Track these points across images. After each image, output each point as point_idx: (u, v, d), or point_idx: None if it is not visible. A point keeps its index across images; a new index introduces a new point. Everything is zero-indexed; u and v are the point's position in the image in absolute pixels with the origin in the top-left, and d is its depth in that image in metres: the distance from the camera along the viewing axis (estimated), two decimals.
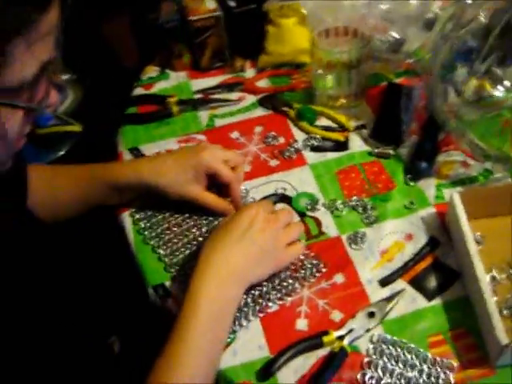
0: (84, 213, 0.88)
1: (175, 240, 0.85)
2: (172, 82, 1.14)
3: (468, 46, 0.84)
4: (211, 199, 0.85)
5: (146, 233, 0.86)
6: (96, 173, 0.87)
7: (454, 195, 0.78)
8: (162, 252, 0.84)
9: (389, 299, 0.75)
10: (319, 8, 1.07)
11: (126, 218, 0.89)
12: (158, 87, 1.13)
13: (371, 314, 0.73)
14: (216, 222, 0.86)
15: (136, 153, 1.00)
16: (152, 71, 1.16)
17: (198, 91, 1.10)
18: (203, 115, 1.05)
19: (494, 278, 0.76)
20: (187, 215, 0.88)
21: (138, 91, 1.13)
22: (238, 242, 0.73)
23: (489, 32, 0.78)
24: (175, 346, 0.66)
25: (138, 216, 0.89)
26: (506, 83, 0.83)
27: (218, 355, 0.70)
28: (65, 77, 1.28)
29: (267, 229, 0.75)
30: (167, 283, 0.81)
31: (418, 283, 0.77)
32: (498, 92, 0.85)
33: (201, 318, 0.68)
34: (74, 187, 0.86)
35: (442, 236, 0.82)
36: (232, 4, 1.09)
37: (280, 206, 0.88)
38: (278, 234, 0.76)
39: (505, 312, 0.73)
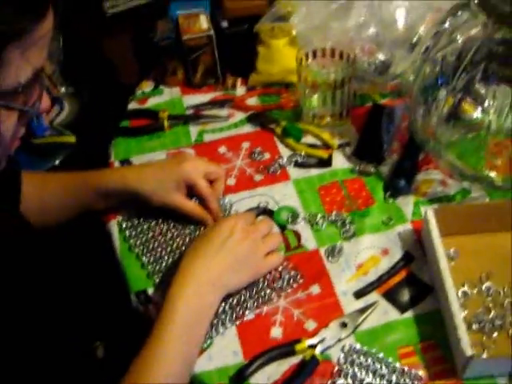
0: (72, 219, 0.91)
1: (159, 248, 0.88)
2: (165, 97, 1.17)
3: (448, 67, 0.87)
4: (190, 207, 0.88)
5: (132, 241, 0.89)
6: (83, 179, 0.90)
7: (428, 211, 0.80)
8: (145, 259, 0.86)
9: (362, 311, 0.77)
10: (309, 29, 1.11)
11: (114, 226, 0.92)
12: (152, 102, 1.16)
13: (344, 325, 0.76)
14: (197, 233, 0.89)
15: (127, 164, 1.03)
16: (147, 86, 1.20)
17: (190, 107, 1.13)
18: (193, 130, 1.08)
19: (465, 293, 0.78)
20: (172, 225, 0.90)
21: (133, 105, 1.16)
22: (216, 251, 0.76)
23: (464, 56, 0.82)
24: (151, 347, 0.68)
25: (124, 225, 0.91)
26: (487, 103, 0.86)
27: (193, 358, 0.72)
28: (63, 90, 1.32)
29: (246, 239, 0.78)
30: (149, 290, 0.83)
31: (391, 296, 0.79)
32: (477, 113, 0.88)
33: (177, 321, 0.70)
34: (62, 193, 0.90)
35: (416, 251, 0.84)
36: (225, 25, 1.14)
37: (261, 218, 0.91)
38: (256, 243, 0.79)
39: (474, 326, 0.75)
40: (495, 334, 0.74)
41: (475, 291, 0.79)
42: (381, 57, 1.12)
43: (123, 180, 0.87)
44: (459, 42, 0.85)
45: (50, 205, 0.90)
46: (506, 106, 0.82)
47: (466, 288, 0.79)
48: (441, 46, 0.88)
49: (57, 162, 1.20)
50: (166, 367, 0.68)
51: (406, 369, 0.71)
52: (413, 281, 0.81)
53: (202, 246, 0.78)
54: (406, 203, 0.91)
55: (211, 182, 0.91)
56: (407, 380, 0.70)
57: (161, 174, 0.87)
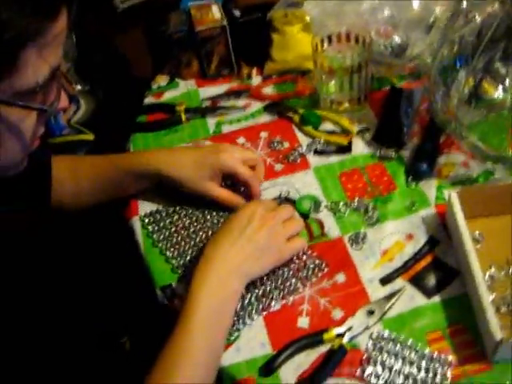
0: (104, 202, 0.92)
1: (182, 243, 0.88)
2: (181, 90, 1.17)
3: (466, 47, 0.86)
4: (225, 194, 0.89)
5: (155, 236, 0.90)
6: (116, 161, 0.91)
7: (452, 194, 0.79)
8: (169, 254, 0.87)
9: (388, 297, 0.77)
10: (323, 15, 1.10)
11: (136, 222, 0.92)
12: (168, 96, 1.16)
13: (371, 312, 0.75)
14: (220, 225, 0.89)
15: None
16: (162, 80, 1.20)
17: (206, 99, 1.13)
18: (211, 122, 1.08)
19: (492, 276, 0.77)
20: (194, 219, 0.91)
21: (149, 100, 1.17)
22: (235, 240, 0.76)
23: (483, 35, 0.80)
24: (177, 339, 0.69)
25: (147, 220, 0.92)
26: (508, 82, 0.84)
27: (219, 347, 0.72)
28: (78, 88, 1.32)
29: (264, 225, 0.78)
30: (174, 284, 0.84)
31: (417, 281, 0.79)
32: (498, 93, 0.86)
33: (202, 311, 0.70)
34: (94, 175, 0.91)
35: (441, 235, 0.83)
36: (237, 14, 1.13)
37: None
38: (275, 229, 0.79)
39: (503, 309, 0.74)
40: None
41: (502, 273, 0.78)
42: (397, 39, 1.10)
43: (156, 164, 0.88)
44: (477, 20, 0.83)
45: (82, 187, 0.91)
46: None
47: (492, 271, 0.78)
48: (458, 26, 0.86)
49: None
50: (193, 358, 0.68)
51: (435, 354, 0.71)
52: (438, 265, 0.80)
53: (221, 235, 0.78)
54: (429, 187, 0.90)
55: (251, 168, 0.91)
56: (437, 365, 0.70)
57: (195, 162, 0.87)
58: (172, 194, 0.92)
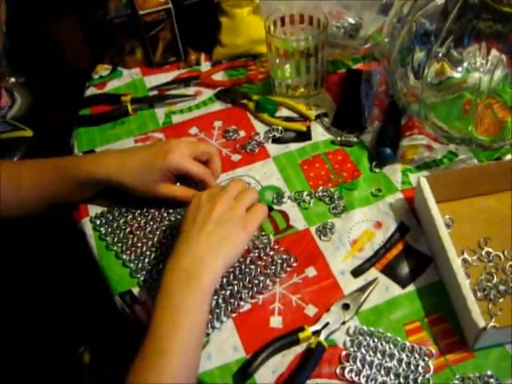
0: (49, 210, 0.84)
1: (139, 244, 0.81)
2: (125, 79, 1.10)
3: (425, 28, 0.83)
4: (180, 192, 0.83)
5: (108, 238, 0.83)
6: (61, 167, 0.83)
7: (421, 179, 0.77)
8: (126, 257, 0.80)
9: (362, 289, 0.73)
10: None
11: (87, 224, 0.85)
12: (111, 86, 1.09)
13: (346, 306, 0.72)
14: (178, 223, 0.82)
15: None
16: (103, 70, 1.12)
17: (153, 88, 1.07)
18: (160, 112, 1.02)
19: (465, 261, 0.76)
20: (150, 217, 0.84)
21: (91, 91, 1.09)
22: (193, 233, 0.71)
23: (446, 15, 0.77)
24: (153, 340, 0.63)
25: (98, 221, 0.85)
26: (465, 65, 0.82)
27: (198, 348, 0.67)
28: (12, 80, 1.22)
29: (215, 205, 0.73)
30: (134, 290, 0.77)
31: (390, 271, 0.76)
32: (457, 73, 0.84)
33: (176, 312, 0.65)
34: (38, 182, 0.82)
35: (411, 221, 0.81)
36: None
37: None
38: (229, 205, 0.73)
39: (479, 294, 0.72)
40: (501, 300, 0.72)
41: (475, 258, 0.76)
42: (349, 19, 1.07)
43: (104, 171, 0.81)
44: (438, 0, 0.81)
45: (24, 195, 0.82)
46: (487, 65, 0.79)
47: (465, 255, 0.76)
48: (418, 6, 0.83)
49: (15, 159, 1.11)
50: (171, 358, 0.62)
51: (415, 346, 0.68)
52: (410, 253, 0.77)
53: (181, 238, 0.72)
54: (394, 172, 0.87)
55: (204, 162, 0.85)
56: (417, 357, 0.68)
57: (144, 166, 0.80)
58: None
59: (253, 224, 0.75)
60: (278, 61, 0.95)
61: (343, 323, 0.71)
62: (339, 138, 0.92)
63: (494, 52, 0.75)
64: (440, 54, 0.79)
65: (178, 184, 0.84)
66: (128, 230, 0.83)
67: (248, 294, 0.75)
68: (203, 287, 0.67)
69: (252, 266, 0.77)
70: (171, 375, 0.61)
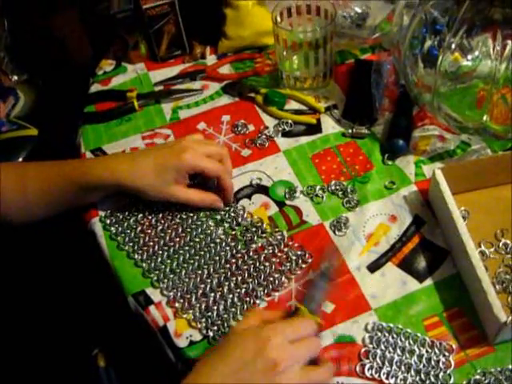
0: (56, 214, 0.83)
1: (151, 243, 0.80)
2: (130, 75, 1.08)
3: (435, 16, 0.82)
4: (195, 196, 0.81)
5: (119, 238, 0.82)
6: (67, 172, 0.81)
7: (437, 172, 0.75)
8: (137, 257, 0.79)
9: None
10: None
11: (97, 224, 0.84)
12: (116, 82, 1.07)
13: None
14: (190, 221, 0.82)
15: (99, 154, 0.94)
16: (107, 65, 1.11)
17: (159, 83, 1.05)
18: (166, 108, 1.00)
19: (482, 253, 0.75)
20: (160, 216, 0.83)
21: (96, 87, 1.07)
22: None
23: (458, 5, 0.76)
24: None
25: (108, 221, 0.84)
26: (476, 53, 0.81)
27: None
28: (15, 78, 1.20)
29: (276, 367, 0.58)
30: (148, 290, 0.76)
31: (407, 265, 0.75)
32: (467, 62, 0.83)
33: None
34: (43, 188, 0.80)
35: (425, 214, 0.79)
36: None
37: (257, 197, 0.85)
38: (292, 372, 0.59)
39: (497, 287, 0.71)
40: None
41: (492, 250, 0.75)
42: (356, 8, 1.05)
43: (115, 176, 0.79)
44: None
45: (30, 200, 0.80)
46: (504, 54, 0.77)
47: (483, 248, 0.75)
48: None
49: (20, 158, 1.10)
50: None
51: (435, 341, 0.67)
52: (427, 246, 0.76)
53: (215, 361, 0.59)
54: (407, 164, 0.86)
55: None
56: (438, 352, 0.67)
57: (157, 168, 0.78)
58: None
59: None
60: (285, 53, 0.94)
61: None
62: (350, 131, 0.90)
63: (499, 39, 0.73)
64: (453, 45, 0.77)
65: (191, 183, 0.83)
66: (139, 228, 0.82)
67: (263, 291, 0.74)
68: None
69: (267, 264, 0.76)
70: None
